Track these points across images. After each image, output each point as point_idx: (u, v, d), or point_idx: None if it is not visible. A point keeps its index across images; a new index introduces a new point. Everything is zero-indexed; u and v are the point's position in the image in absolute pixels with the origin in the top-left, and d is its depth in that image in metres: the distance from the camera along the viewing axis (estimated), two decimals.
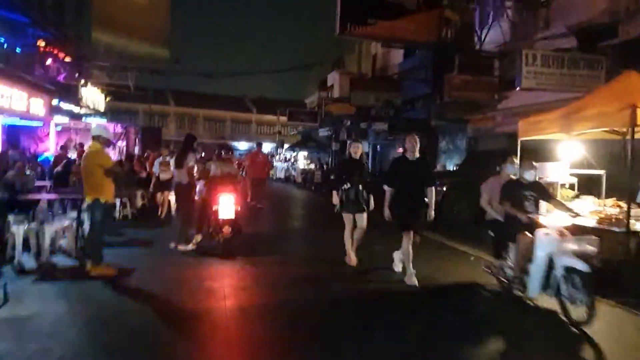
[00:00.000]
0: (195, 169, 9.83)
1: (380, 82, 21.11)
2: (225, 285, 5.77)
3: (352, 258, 6.90)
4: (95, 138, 5.90)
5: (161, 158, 10.86)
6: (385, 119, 19.78)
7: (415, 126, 17.96)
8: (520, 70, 9.63)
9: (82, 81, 17.52)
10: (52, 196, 7.93)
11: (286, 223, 12.23)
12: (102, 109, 20.63)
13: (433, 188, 6.26)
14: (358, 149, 6.92)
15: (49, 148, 16.27)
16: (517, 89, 9.98)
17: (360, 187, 6.70)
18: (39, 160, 13.37)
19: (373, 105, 20.57)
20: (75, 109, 17.21)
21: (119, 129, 22.57)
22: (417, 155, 6.16)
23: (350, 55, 27.29)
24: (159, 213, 10.72)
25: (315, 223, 12.69)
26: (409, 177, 6.05)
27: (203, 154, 9.82)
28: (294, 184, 28.40)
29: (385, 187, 6.20)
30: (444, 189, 10.85)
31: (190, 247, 7.61)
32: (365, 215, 6.77)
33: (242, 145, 41.15)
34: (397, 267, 6.51)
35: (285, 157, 36.45)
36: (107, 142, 6.03)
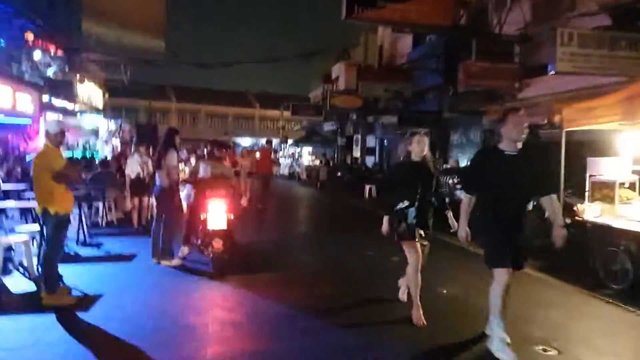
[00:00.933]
0: (186, 169, 8.71)
1: (388, 72, 19.98)
2: (211, 321, 4.56)
3: (419, 314, 4.57)
4: (46, 134, 4.73)
5: (136, 156, 9.65)
6: (394, 112, 18.68)
7: (425, 119, 16.95)
8: (555, 52, 8.40)
9: (78, 76, 16.52)
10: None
11: (290, 228, 10.99)
12: (100, 105, 19.66)
13: (554, 197, 4.04)
14: (424, 144, 4.69)
15: (39, 147, 15.33)
16: (551, 73, 8.79)
17: (427, 203, 4.67)
18: (27, 160, 12.36)
19: (381, 97, 19.50)
20: (69, 106, 16.16)
21: (113, 125, 21.61)
22: (520, 147, 3.90)
23: (355, 48, 26.06)
24: (133, 221, 9.41)
25: (324, 228, 11.47)
26: (508, 181, 3.89)
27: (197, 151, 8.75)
28: (298, 181, 27.38)
29: (463, 195, 4.24)
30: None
31: (175, 262, 6.49)
32: (427, 246, 4.78)
33: (245, 142, 40.20)
34: (505, 356, 3.78)
35: (292, 153, 35.59)
36: (60, 139, 4.81)
